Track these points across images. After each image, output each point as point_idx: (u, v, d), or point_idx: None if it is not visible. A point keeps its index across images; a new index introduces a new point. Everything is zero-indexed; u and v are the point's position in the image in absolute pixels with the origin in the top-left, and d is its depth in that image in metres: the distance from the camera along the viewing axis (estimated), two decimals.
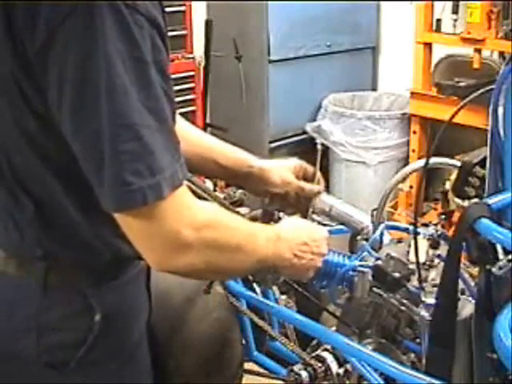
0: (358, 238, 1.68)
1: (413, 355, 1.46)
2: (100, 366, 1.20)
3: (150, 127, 1.01)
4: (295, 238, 1.31)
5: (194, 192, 1.58)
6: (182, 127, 1.49)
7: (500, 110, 1.27)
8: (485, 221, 1.17)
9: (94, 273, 1.18)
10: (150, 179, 1.01)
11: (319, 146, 1.67)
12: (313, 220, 1.62)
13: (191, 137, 1.50)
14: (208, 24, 3.32)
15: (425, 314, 1.38)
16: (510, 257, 1.19)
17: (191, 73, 3.72)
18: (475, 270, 1.37)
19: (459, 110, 1.35)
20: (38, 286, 1.15)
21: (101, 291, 1.18)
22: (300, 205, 1.60)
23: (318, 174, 1.62)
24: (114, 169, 1.01)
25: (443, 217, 1.64)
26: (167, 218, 1.05)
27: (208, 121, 3.73)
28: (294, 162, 1.60)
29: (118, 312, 1.22)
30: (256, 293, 1.77)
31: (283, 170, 1.57)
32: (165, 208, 1.04)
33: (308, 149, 4.02)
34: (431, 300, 1.36)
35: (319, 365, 1.56)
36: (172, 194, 1.04)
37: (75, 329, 1.17)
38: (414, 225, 1.41)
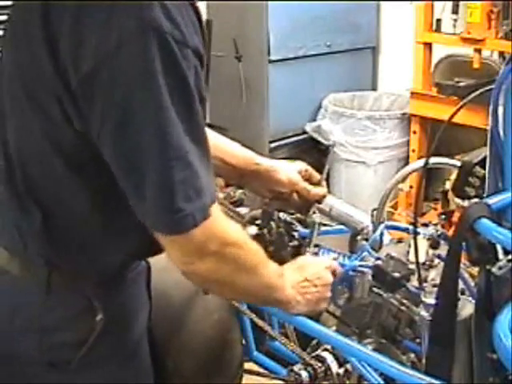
0: (358, 237, 1.68)
1: (413, 355, 1.46)
2: (101, 365, 1.21)
3: (195, 154, 1.05)
4: (296, 277, 1.34)
5: None
6: None
7: (500, 110, 1.27)
8: (485, 221, 1.17)
9: (97, 273, 1.19)
10: (197, 202, 1.07)
11: (331, 148, 1.68)
12: (313, 225, 1.62)
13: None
14: (208, 24, 3.32)
15: (425, 314, 1.38)
16: (509, 257, 1.19)
17: None
18: (475, 270, 1.37)
19: (459, 109, 1.35)
20: (41, 288, 1.16)
21: (103, 292, 1.19)
22: (302, 206, 1.60)
23: (323, 177, 1.62)
24: (167, 196, 1.05)
25: (443, 217, 1.64)
26: (200, 232, 1.09)
27: (208, 121, 3.73)
28: (301, 165, 1.61)
29: (119, 312, 1.22)
30: None
31: (290, 171, 1.58)
32: (204, 224, 1.09)
33: (308, 149, 4.05)
34: (431, 300, 1.36)
35: (319, 365, 1.56)
36: (214, 209, 1.10)
37: (77, 329, 1.18)
38: (414, 225, 1.41)
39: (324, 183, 1.61)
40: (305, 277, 1.35)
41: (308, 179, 1.60)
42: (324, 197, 1.60)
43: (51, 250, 1.15)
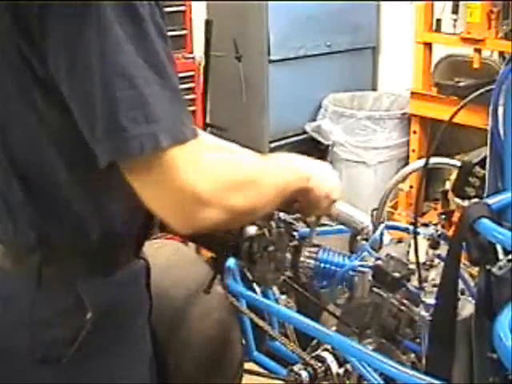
0: (358, 237, 1.68)
1: (413, 355, 1.46)
2: (93, 362, 1.21)
3: (147, 79, 1.01)
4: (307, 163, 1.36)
5: None
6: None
7: (500, 110, 1.27)
8: (485, 221, 1.17)
9: (86, 267, 1.18)
10: (146, 127, 1.00)
11: (330, 149, 1.67)
12: (317, 224, 1.61)
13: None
14: (208, 24, 3.32)
15: (425, 313, 1.38)
16: (510, 257, 1.19)
17: (191, 73, 3.72)
18: (475, 270, 1.37)
19: (459, 109, 1.35)
20: (31, 281, 1.16)
21: (94, 287, 1.18)
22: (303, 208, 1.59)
23: None
24: (109, 115, 1.00)
25: (443, 217, 1.64)
26: (176, 173, 1.02)
27: (208, 121, 3.73)
28: None
29: (113, 309, 1.21)
30: (256, 293, 1.77)
31: None
32: (170, 162, 1.02)
33: (308, 149, 4.04)
34: (431, 300, 1.36)
35: (319, 365, 1.56)
36: (177, 149, 1.02)
37: (67, 325, 1.17)
38: (414, 225, 1.41)
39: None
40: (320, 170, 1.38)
41: None
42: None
43: (40, 221, 1.15)
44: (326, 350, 1.59)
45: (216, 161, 1.10)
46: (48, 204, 1.15)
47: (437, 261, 1.48)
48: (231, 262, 1.72)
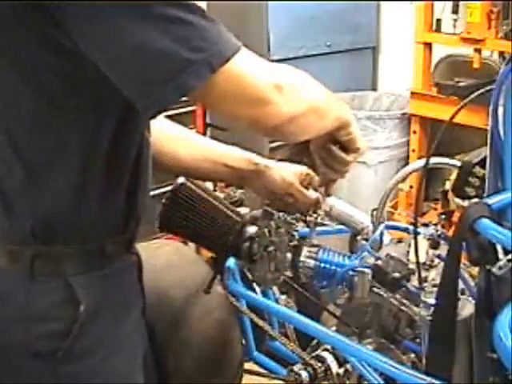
0: (358, 237, 1.68)
1: (413, 355, 1.46)
2: (87, 356, 1.22)
3: (191, 12, 1.08)
4: None
5: (193, 192, 1.58)
6: (193, 137, 1.60)
7: (500, 110, 1.27)
8: (485, 221, 1.17)
9: (78, 261, 1.20)
10: (211, 50, 1.08)
11: None
12: (315, 225, 1.61)
13: (203, 145, 1.57)
14: None
15: (425, 313, 1.38)
16: (510, 257, 1.19)
17: None
18: (475, 270, 1.37)
19: (459, 110, 1.35)
20: (25, 276, 1.17)
21: (86, 280, 1.20)
22: (298, 209, 1.60)
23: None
24: (172, 55, 1.04)
25: (443, 217, 1.64)
26: (246, 75, 1.13)
27: (208, 121, 3.73)
28: (301, 169, 1.61)
29: (106, 303, 1.23)
30: (256, 293, 1.77)
31: (286, 172, 1.58)
32: (239, 67, 1.13)
33: (308, 149, 4.03)
34: (431, 300, 1.36)
35: (319, 365, 1.56)
36: (238, 55, 1.14)
37: (61, 318, 1.18)
38: (414, 225, 1.41)
39: (323, 188, 1.61)
40: None
41: (309, 183, 1.59)
42: (317, 203, 1.59)
43: (36, 208, 1.16)
44: (326, 350, 1.59)
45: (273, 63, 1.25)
46: (47, 190, 1.16)
47: (437, 261, 1.48)
48: (231, 261, 1.72)
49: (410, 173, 1.76)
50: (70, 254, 1.19)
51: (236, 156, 1.56)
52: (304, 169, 1.60)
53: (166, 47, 1.03)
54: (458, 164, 1.53)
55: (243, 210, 1.77)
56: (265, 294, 1.79)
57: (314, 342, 1.68)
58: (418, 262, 1.40)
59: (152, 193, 1.35)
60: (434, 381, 1.25)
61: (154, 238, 2.09)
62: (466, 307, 1.32)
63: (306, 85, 1.30)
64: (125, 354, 1.28)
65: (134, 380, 1.31)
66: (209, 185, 2.48)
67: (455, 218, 1.56)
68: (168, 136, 1.51)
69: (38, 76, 1.10)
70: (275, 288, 1.78)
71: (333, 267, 1.57)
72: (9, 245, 1.19)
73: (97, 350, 1.22)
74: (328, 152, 1.41)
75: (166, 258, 1.78)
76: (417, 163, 1.85)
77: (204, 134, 3.49)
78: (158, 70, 1.05)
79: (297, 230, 1.62)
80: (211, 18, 1.13)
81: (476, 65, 3.42)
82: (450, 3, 3.57)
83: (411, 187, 3.62)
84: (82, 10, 1.02)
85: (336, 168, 1.44)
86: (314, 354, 1.60)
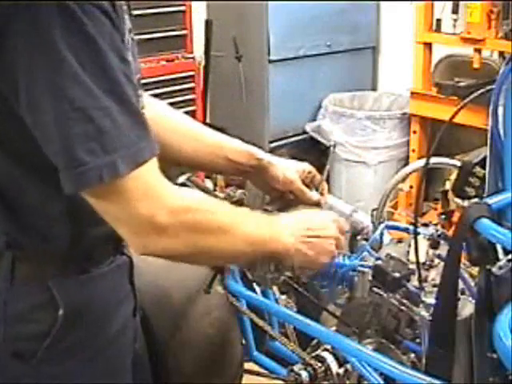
0: (358, 237, 1.68)
1: (413, 355, 1.46)
2: (69, 357, 1.22)
3: (105, 109, 1.04)
4: (296, 223, 1.30)
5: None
6: (196, 129, 1.55)
7: (500, 110, 1.27)
8: (485, 221, 1.17)
9: (59, 265, 1.20)
10: (104, 157, 1.03)
11: (332, 149, 1.67)
12: None
13: (205, 137, 1.54)
14: (208, 24, 3.32)
15: (425, 313, 1.38)
16: (509, 257, 1.19)
17: (191, 73, 3.72)
18: (475, 270, 1.37)
19: (459, 110, 1.35)
20: (5, 279, 1.18)
21: (66, 285, 1.20)
22: (300, 209, 1.58)
23: (324, 177, 1.60)
24: (68, 151, 1.03)
25: (443, 217, 1.64)
26: (136, 199, 1.07)
27: (208, 121, 3.73)
28: (304, 166, 1.58)
29: (89, 307, 1.23)
30: (256, 293, 1.77)
31: (288, 169, 1.55)
32: (130, 188, 1.07)
33: (308, 149, 4.04)
34: (431, 300, 1.36)
35: (319, 365, 1.56)
36: (136, 173, 1.06)
37: (40, 320, 1.19)
38: (414, 225, 1.41)
39: (325, 186, 1.60)
40: (308, 226, 1.30)
41: (311, 182, 1.58)
42: (318, 203, 1.58)
43: (9, 229, 1.18)
44: (326, 350, 1.59)
45: (178, 193, 1.14)
46: (19, 213, 1.17)
47: (437, 261, 1.48)
48: None
49: (410, 173, 1.76)
50: (51, 258, 1.20)
51: (238, 149, 1.54)
52: (307, 166, 1.59)
53: (66, 138, 1.03)
54: (458, 164, 1.53)
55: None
56: (265, 294, 1.79)
57: (314, 341, 1.68)
58: (417, 262, 1.40)
59: None
60: (433, 381, 1.25)
61: None
62: (466, 307, 1.32)
63: (208, 228, 1.15)
64: (111, 354, 1.28)
65: (121, 380, 1.31)
66: (209, 185, 2.48)
67: (455, 218, 1.56)
68: (171, 128, 1.49)
69: None
70: (275, 288, 1.78)
71: (333, 267, 1.57)
72: None
73: (80, 351, 1.23)
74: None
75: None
76: (417, 163, 1.85)
77: None
78: (59, 156, 1.05)
79: None
80: (135, 115, 1.08)
81: (476, 65, 3.42)
82: (450, 3, 3.57)
83: (411, 187, 3.62)
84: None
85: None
86: (313, 354, 1.60)
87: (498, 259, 1.20)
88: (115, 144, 1.04)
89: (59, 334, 1.19)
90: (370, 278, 1.50)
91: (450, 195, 1.53)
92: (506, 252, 1.19)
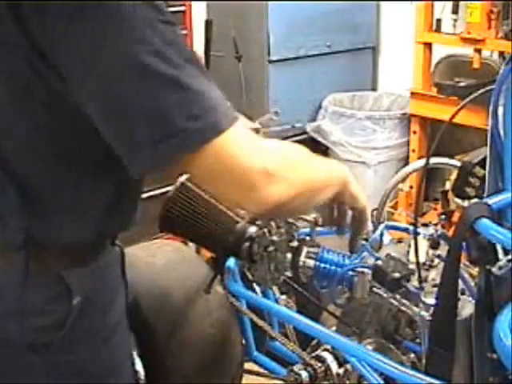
0: (358, 237, 1.68)
1: (413, 355, 1.46)
2: (80, 347, 1.23)
3: (192, 75, 1.04)
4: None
5: (194, 192, 1.58)
6: None
7: (500, 110, 1.27)
8: (485, 221, 1.17)
9: (71, 257, 1.21)
10: (205, 118, 1.03)
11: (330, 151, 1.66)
12: (315, 225, 1.60)
13: None
14: (208, 24, 3.32)
15: (425, 313, 1.38)
16: (509, 257, 1.19)
17: None
18: (475, 270, 1.37)
19: (459, 110, 1.35)
20: (20, 273, 1.18)
21: (78, 275, 1.21)
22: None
23: None
24: (162, 123, 1.02)
25: (443, 217, 1.64)
26: (244, 153, 1.06)
27: None
28: None
29: (96, 295, 1.24)
30: (256, 293, 1.77)
31: None
32: (236, 142, 1.06)
33: (308, 149, 4.04)
34: (431, 300, 1.36)
35: (319, 365, 1.56)
36: (235, 129, 1.06)
37: (55, 311, 1.19)
38: (414, 225, 1.41)
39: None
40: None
41: None
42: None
43: (28, 226, 1.17)
44: (326, 350, 1.59)
45: (268, 141, 1.17)
46: (40, 210, 1.17)
47: (437, 261, 1.48)
48: (231, 261, 1.72)
49: (410, 173, 1.76)
50: (64, 250, 1.20)
51: None
52: None
53: (160, 110, 1.02)
54: (458, 164, 1.53)
55: (243, 210, 1.77)
56: (265, 294, 1.79)
57: (314, 342, 1.68)
58: (417, 262, 1.40)
59: (152, 193, 1.35)
60: (433, 381, 1.25)
61: (154, 238, 2.09)
62: (466, 307, 1.32)
63: (300, 164, 1.20)
64: (112, 345, 1.29)
65: (122, 370, 1.32)
66: None
67: (455, 218, 1.56)
68: None
69: (30, 104, 1.10)
70: (275, 288, 1.78)
71: (333, 267, 1.57)
72: (2, 248, 1.20)
73: (88, 342, 1.24)
74: (332, 212, 1.43)
75: (166, 258, 1.78)
76: (417, 163, 1.85)
77: None
78: (147, 131, 1.03)
79: (297, 230, 1.62)
80: (210, 81, 1.08)
81: (476, 65, 3.42)
82: (450, 3, 3.57)
83: (411, 187, 3.62)
84: (75, 59, 1.03)
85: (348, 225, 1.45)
86: (314, 354, 1.60)
87: (497, 259, 1.20)
88: (212, 104, 1.04)
89: (73, 324, 1.19)
90: (370, 278, 1.50)
91: (450, 195, 1.53)
92: (506, 252, 1.19)
